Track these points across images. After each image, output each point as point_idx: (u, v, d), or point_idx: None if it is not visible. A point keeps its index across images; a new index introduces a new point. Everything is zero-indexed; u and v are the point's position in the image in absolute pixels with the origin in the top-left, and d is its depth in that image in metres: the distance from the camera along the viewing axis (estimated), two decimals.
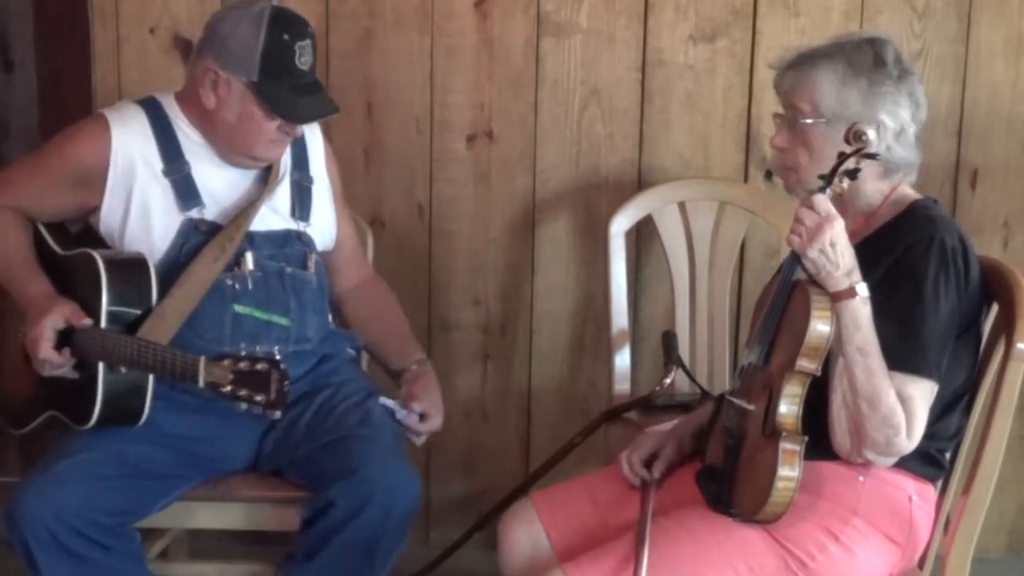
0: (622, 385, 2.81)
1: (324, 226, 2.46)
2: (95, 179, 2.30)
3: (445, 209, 2.97)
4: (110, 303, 2.20)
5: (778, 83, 2.05)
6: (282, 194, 2.39)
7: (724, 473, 1.98)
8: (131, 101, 2.38)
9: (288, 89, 2.25)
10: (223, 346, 2.24)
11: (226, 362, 2.05)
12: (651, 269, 2.99)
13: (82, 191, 2.32)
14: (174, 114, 2.34)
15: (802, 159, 2.00)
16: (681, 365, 2.63)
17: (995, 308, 2.05)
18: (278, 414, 2.05)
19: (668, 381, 2.62)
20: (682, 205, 2.85)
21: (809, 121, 1.98)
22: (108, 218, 2.31)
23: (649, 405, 2.65)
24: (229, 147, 2.32)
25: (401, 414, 2.34)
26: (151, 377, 2.20)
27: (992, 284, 2.02)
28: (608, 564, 1.94)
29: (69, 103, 3.22)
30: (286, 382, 2.01)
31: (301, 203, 2.41)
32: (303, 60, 2.26)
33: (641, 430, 2.27)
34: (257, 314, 2.30)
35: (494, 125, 2.96)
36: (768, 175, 2.96)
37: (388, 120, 2.95)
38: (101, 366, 2.18)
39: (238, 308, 2.29)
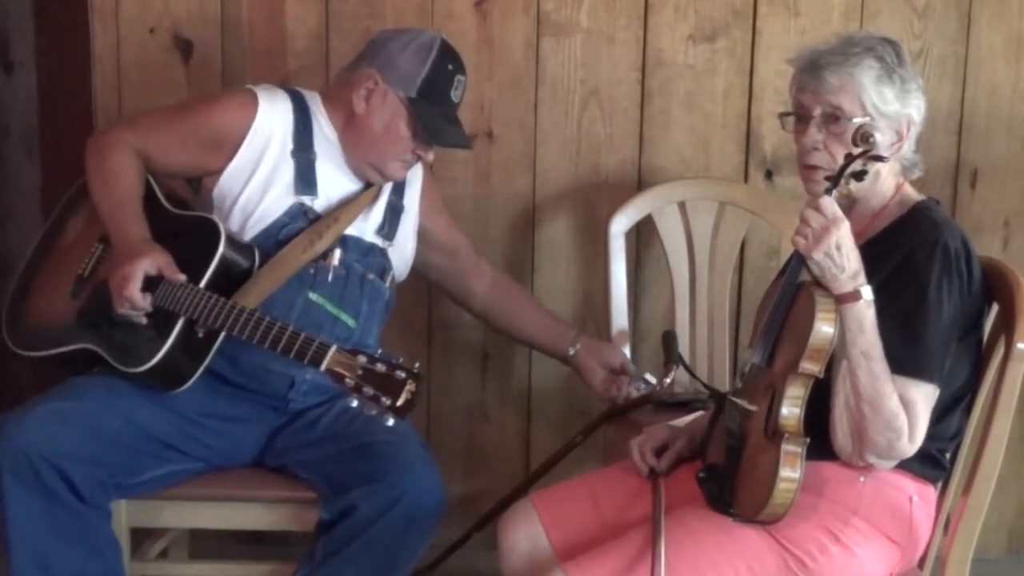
0: None
1: (404, 253, 2.55)
2: (227, 146, 2.37)
3: None
4: (216, 272, 2.26)
5: (807, 82, 2.01)
6: (377, 210, 2.48)
7: (725, 473, 1.98)
8: (276, 86, 2.48)
9: (437, 114, 2.41)
10: None
11: (361, 358, 2.05)
12: (651, 269, 2.99)
13: (208, 154, 2.39)
14: (316, 108, 2.45)
15: (840, 157, 1.95)
16: (682, 363, 2.62)
17: (995, 308, 2.05)
18: (392, 422, 2.03)
19: (668, 381, 2.62)
20: (682, 205, 2.85)
21: (858, 120, 1.96)
22: (227, 184, 2.38)
23: (649, 405, 2.64)
24: (363, 154, 2.42)
25: (652, 383, 2.65)
26: (211, 353, 2.24)
27: (992, 284, 2.02)
28: (609, 563, 1.94)
29: (69, 103, 3.23)
30: (418, 397, 2.01)
31: (390, 224, 2.50)
32: (456, 93, 2.44)
33: (640, 430, 2.27)
34: (328, 307, 2.37)
35: (494, 125, 2.95)
36: (768, 175, 2.97)
37: None
38: (180, 322, 2.22)
39: (312, 295, 2.36)
